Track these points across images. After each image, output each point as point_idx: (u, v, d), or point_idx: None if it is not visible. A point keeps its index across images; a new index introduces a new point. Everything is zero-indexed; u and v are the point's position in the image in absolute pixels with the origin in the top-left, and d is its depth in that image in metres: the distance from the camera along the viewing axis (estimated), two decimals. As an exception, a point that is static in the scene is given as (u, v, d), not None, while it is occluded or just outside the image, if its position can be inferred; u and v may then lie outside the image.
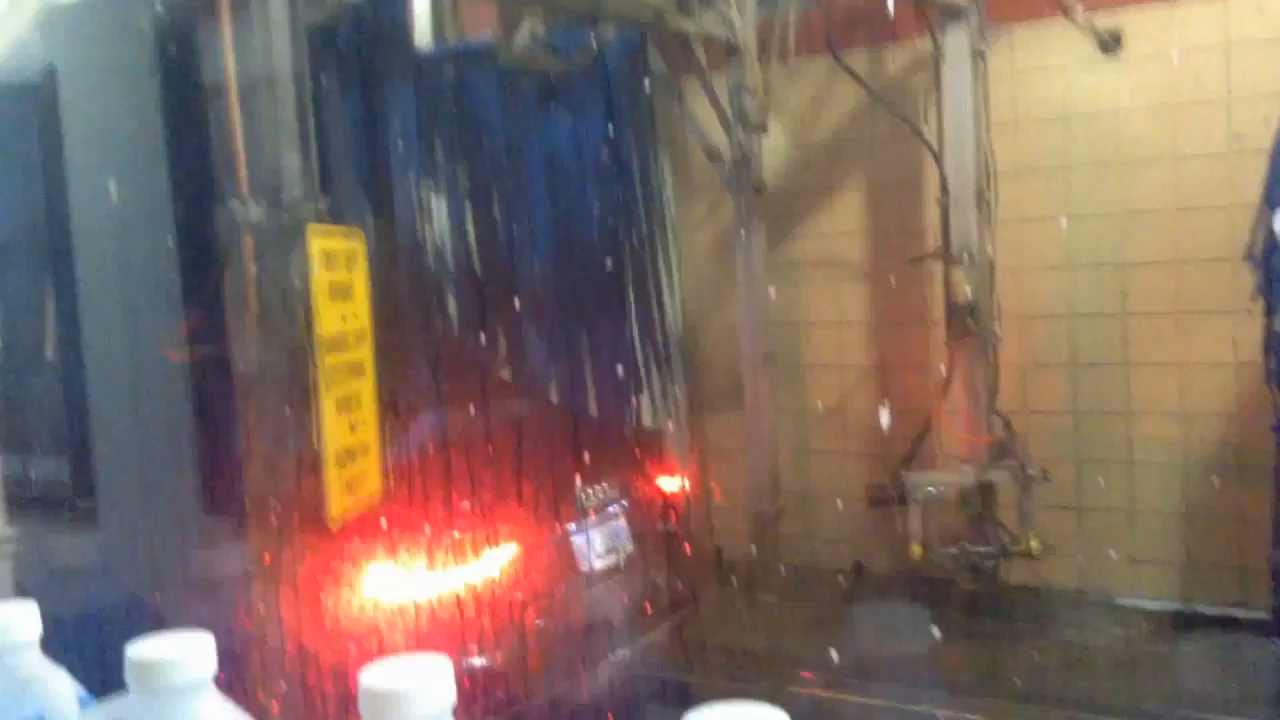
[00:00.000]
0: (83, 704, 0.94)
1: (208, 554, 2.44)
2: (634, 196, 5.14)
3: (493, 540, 3.62)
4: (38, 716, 0.92)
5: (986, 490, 4.89)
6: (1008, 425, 4.96)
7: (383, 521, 2.73)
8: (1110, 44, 4.91)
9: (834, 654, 3.96)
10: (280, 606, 2.10)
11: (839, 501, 5.51)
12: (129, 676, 0.83)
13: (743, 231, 5.07)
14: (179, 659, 0.83)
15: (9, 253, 2.88)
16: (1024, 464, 4.78)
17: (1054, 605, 5.03)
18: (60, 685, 0.93)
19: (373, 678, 0.76)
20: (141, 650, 0.83)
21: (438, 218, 4.18)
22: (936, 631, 4.22)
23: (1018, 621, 4.88)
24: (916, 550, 4.82)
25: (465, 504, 3.56)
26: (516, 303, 4.43)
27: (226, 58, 2.13)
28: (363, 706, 0.76)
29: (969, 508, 4.90)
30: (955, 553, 4.85)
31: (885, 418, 5.05)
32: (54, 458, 2.85)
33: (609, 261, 5.00)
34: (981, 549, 4.85)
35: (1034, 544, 4.76)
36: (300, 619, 2.11)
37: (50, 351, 2.89)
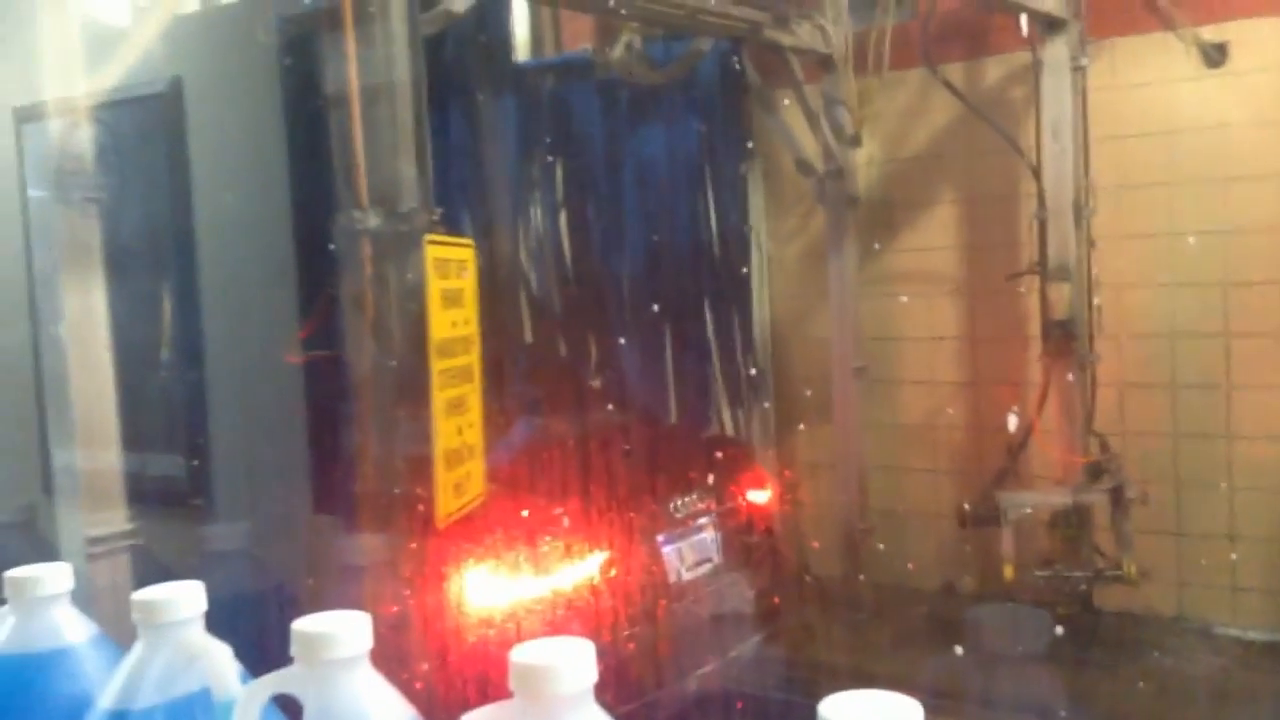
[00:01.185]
0: (241, 680, 0.99)
1: (319, 551, 2.51)
2: (724, 207, 5.17)
3: (585, 547, 3.65)
4: (203, 687, 0.96)
5: (1082, 512, 4.80)
6: (1105, 446, 4.86)
7: (483, 523, 2.78)
8: (1215, 57, 4.80)
9: (958, 649, 3.91)
10: (392, 604, 2.15)
11: (929, 520, 5.44)
12: (294, 649, 0.87)
13: (835, 244, 5.06)
14: (342, 633, 0.87)
15: (134, 257, 3.00)
16: (1121, 486, 4.68)
17: (1150, 632, 4.91)
18: (223, 659, 0.98)
19: (523, 654, 0.79)
20: (307, 625, 0.87)
21: (535, 226, 4.25)
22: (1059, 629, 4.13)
23: (1112, 648, 4.77)
24: (1009, 572, 4.73)
25: (559, 510, 3.60)
26: (609, 312, 4.48)
27: (349, 69, 2.20)
28: (513, 680, 0.80)
29: (1064, 530, 4.80)
30: (1049, 575, 4.75)
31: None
32: (173, 456, 2.95)
33: (698, 272, 5.03)
34: (1076, 572, 4.76)
35: (1131, 568, 4.65)
36: (412, 618, 2.16)
37: (173, 353, 2.99)
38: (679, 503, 4.20)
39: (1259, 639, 4.80)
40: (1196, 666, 4.66)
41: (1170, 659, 4.71)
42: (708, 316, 5.06)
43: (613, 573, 3.60)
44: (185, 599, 0.97)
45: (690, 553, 4.15)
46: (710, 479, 4.41)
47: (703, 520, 4.22)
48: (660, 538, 4.07)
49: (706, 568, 4.13)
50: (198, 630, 0.98)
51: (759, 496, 4.71)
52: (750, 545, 4.54)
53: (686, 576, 4.13)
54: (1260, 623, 4.84)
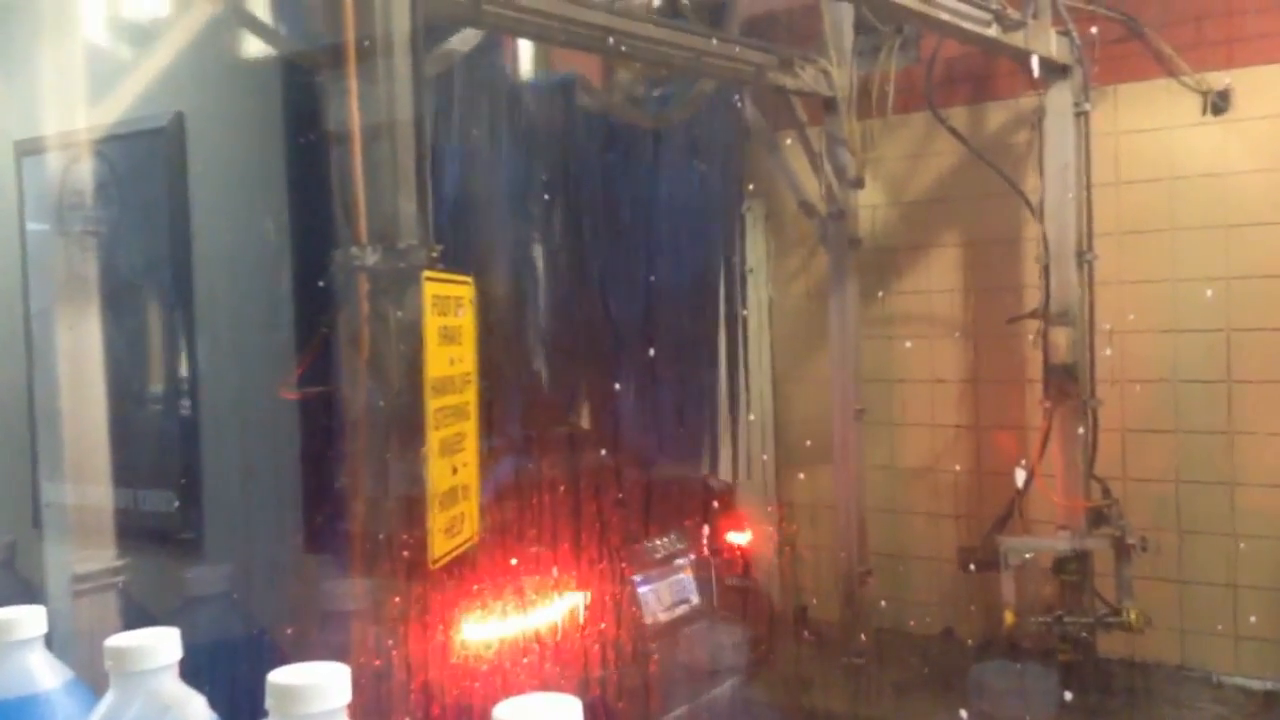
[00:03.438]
0: (215, 729, 0.96)
1: (305, 595, 2.47)
2: (724, 248, 5.17)
3: (564, 588, 3.61)
4: (176, 738, 0.94)
5: (1083, 558, 4.76)
6: (1106, 491, 4.83)
7: (473, 565, 2.74)
8: (1219, 104, 4.83)
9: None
10: (380, 647, 2.12)
11: (930, 563, 5.40)
12: (269, 702, 0.85)
13: (837, 286, 5.05)
14: (320, 686, 0.85)
15: (130, 291, 2.99)
16: (1123, 532, 4.64)
17: (1152, 680, 4.86)
18: (196, 710, 0.95)
19: (506, 711, 0.78)
20: (283, 676, 0.85)
21: (533, 264, 4.26)
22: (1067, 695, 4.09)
23: (1115, 696, 4.72)
24: (1009, 618, 4.68)
25: (535, 549, 3.56)
26: (602, 351, 4.46)
27: (352, 106, 2.20)
28: None
29: (1065, 575, 4.76)
30: (1050, 622, 4.71)
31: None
32: (163, 492, 2.92)
33: (695, 312, 5.02)
34: (1078, 619, 4.71)
35: (1133, 616, 4.61)
36: (398, 660, 2.13)
37: (167, 388, 2.97)
38: (657, 543, 4.15)
39: (1262, 688, 4.75)
40: (1199, 716, 4.61)
41: (1173, 708, 4.66)
42: (704, 358, 5.04)
43: (579, 611, 3.56)
44: (158, 647, 0.95)
45: (667, 593, 4.10)
46: (693, 520, 4.37)
47: (681, 561, 4.17)
48: (637, 578, 4.02)
49: (683, 610, 4.08)
50: (171, 679, 0.96)
51: (739, 538, 4.66)
52: (734, 587, 4.49)
53: (663, 618, 4.07)
54: (1263, 672, 4.80)
